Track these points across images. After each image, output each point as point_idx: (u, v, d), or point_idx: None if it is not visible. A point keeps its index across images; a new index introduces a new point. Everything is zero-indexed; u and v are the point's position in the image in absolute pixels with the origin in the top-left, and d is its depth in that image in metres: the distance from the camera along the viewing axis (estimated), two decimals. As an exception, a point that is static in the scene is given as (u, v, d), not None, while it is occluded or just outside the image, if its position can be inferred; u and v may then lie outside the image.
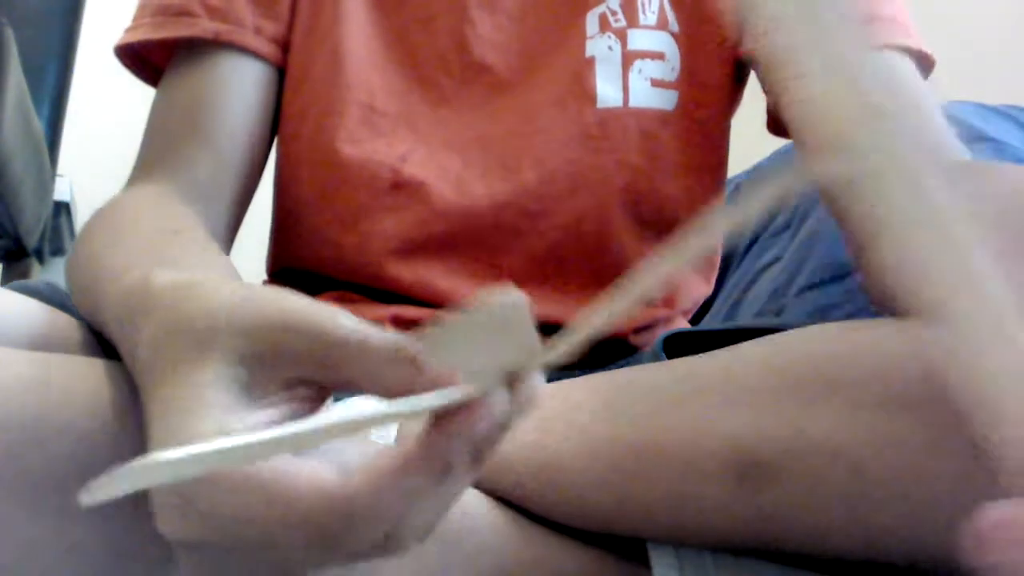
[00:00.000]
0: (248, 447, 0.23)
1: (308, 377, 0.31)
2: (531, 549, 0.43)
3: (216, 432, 0.28)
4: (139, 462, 0.21)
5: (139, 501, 0.37)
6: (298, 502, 0.27)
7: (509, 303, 0.24)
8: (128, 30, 0.67)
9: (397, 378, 0.29)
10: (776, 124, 0.68)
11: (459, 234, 0.64)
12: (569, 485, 0.42)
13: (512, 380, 0.28)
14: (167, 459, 0.21)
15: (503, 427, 0.28)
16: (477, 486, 0.44)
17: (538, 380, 0.29)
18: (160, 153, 0.64)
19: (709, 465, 0.40)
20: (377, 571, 0.40)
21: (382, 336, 0.30)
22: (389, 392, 0.29)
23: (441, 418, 0.27)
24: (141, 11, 0.67)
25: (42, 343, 0.46)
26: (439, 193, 0.64)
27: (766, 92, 0.66)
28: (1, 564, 0.36)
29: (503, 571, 0.42)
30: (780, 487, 0.39)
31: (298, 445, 0.26)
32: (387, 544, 0.29)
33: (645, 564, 0.42)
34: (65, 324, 0.49)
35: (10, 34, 1.11)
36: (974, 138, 1.15)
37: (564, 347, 0.27)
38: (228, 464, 0.24)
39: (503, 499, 0.44)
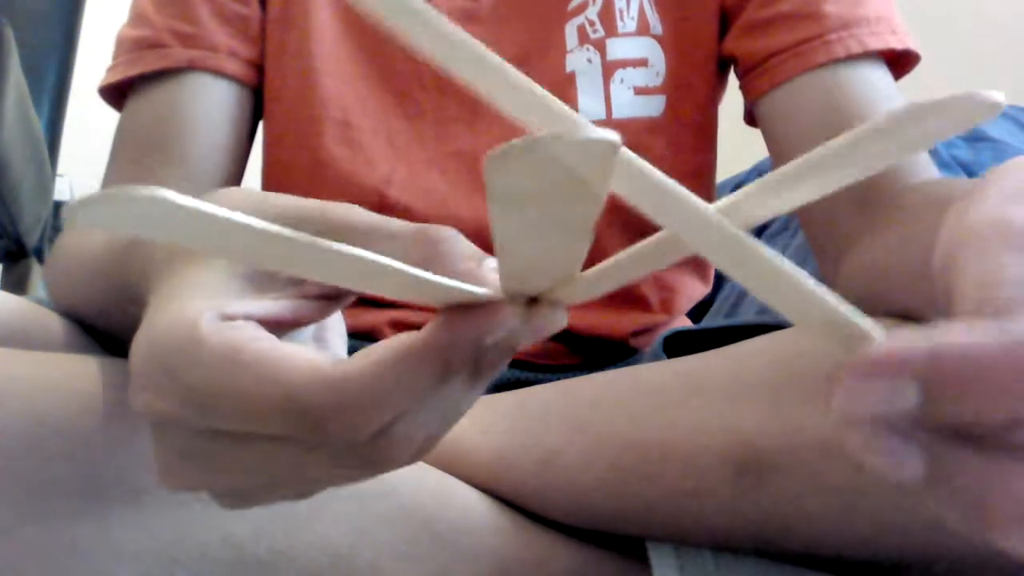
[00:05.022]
0: (261, 234, 0.20)
1: None
2: (531, 549, 0.43)
3: (206, 311, 0.27)
4: (145, 191, 0.18)
5: (140, 501, 0.37)
6: (287, 378, 0.25)
7: (590, 140, 0.17)
8: (108, 70, 0.67)
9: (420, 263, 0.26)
10: (753, 117, 0.68)
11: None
12: (569, 484, 0.42)
13: (544, 296, 0.25)
14: (173, 200, 0.18)
15: (511, 341, 0.26)
16: (477, 486, 0.44)
17: (565, 305, 0.26)
18: (132, 171, 0.64)
19: (709, 463, 0.40)
20: (377, 571, 0.40)
21: (403, 222, 0.29)
22: None
23: (451, 313, 0.25)
24: (118, 50, 0.68)
25: (21, 337, 0.46)
26: (424, 217, 0.64)
27: (742, 90, 0.66)
28: (1, 564, 0.36)
29: (503, 571, 0.42)
30: (780, 484, 0.39)
31: (315, 266, 0.22)
32: (376, 448, 0.26)
33: (645, 564, 0.42)
34: (45, 318, 0.49)
35: (10, 34, 1.11)
36: (974, 138, 1.15)
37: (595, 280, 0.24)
38: (232, 245, 0.20)
39: (503, 499, 0.44)
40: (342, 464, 0.27)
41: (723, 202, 0.21)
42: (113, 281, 0.40)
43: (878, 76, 0.61)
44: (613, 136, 0.17)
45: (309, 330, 0.33)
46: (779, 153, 0.63)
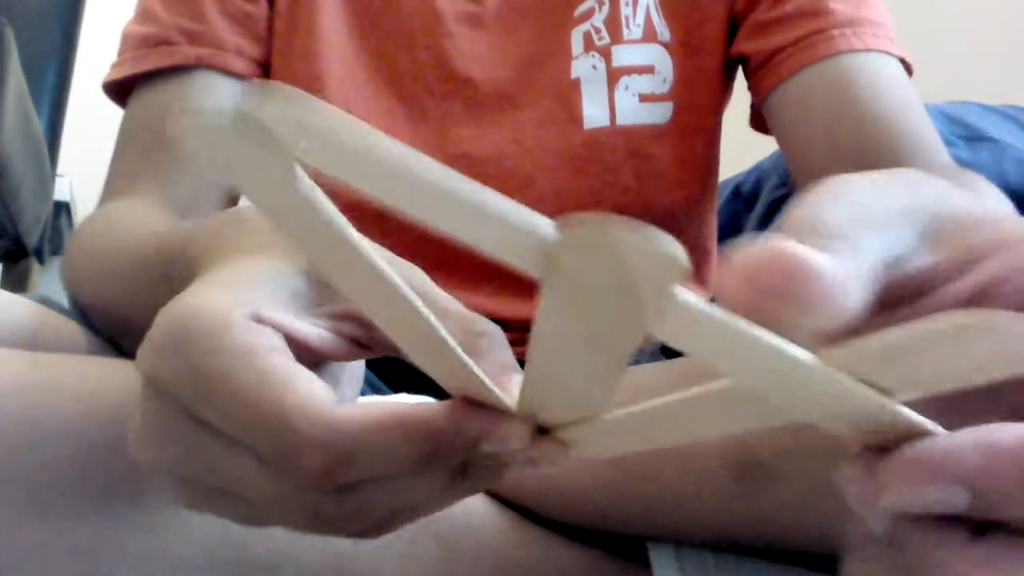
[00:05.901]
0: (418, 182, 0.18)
1: (358, 315, 0.30)
2: (531, 549, 0.43)
3: (241, 306, 0.27)
4: (278, 88, 0.16)
5: (141, 501, 0.38)
6: (287, 398, 0.25)
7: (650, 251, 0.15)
8: (114, 66, 0.67)
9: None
10: (758, 120, 0.68)
11: (447, 259, 0.63)
12: (569, 484, 0.42)
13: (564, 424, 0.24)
14: (311, 106, 0.16)
15: (503, 460, 0.26)
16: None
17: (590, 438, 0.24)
18: (140, 167, 0.64)
19: (709, 465, 0.40)
20: (377, 571, 0.40)
21: (455, 302, 0.29)
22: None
23: (461, 405, 0.25)
24: (124, 46, 0.67)
25: (33, 342, 0.46)
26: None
27: (751, 90, 0.66)
28: (1, 565, 0.36)
29: (503, 572, 0.42)
30: (780, 487, 0.39)
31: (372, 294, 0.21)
32: (336, 503, 0.26)
33: (645, 564, 0.42)
34: (58, 324, 0.49)
35: (10, 34, 1.11)
36: (974, 138, 1.15)
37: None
38: (371, 171, 0.18)
39: (503, 499, 0.44)
40: (295, 504, 0.26)
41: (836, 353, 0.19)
42: (159, 278, 0.40)
43: (883, 64, 0.62)
44: (679, 254, 0.16)
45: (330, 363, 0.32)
46: (790, 148, 0.63)
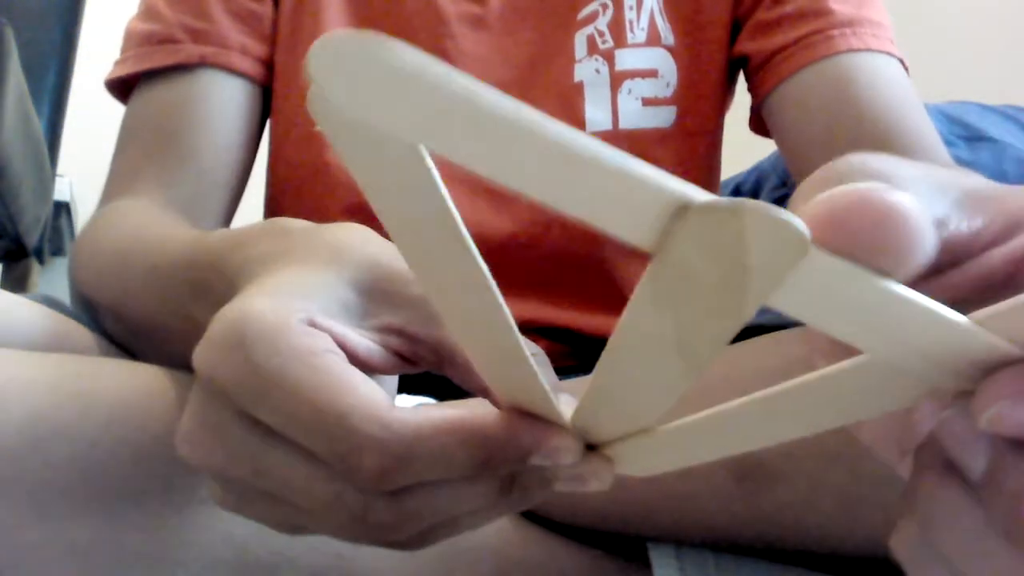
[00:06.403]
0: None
1: (409, 330, 0.31)
2: (532, 549, 0.43)
3: (300, 311, 0.27)
4: (389, 42, 0.14)
5: (141, 501, 0.37)
6: (348, 398, 0.25)
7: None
8: (117, 63, 0.67)
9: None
10: (758, 123, 0.68)
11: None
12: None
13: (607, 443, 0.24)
14: (429, 65, 0.14)
15: (550, 475, 0.26)
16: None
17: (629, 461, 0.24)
18: (142, 166, 0.64)
19: (709, 467, 0.40)
20: (377, 571, 0.40)
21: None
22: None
23: (516, 416, 0.25)
24: (127, 43, 0.67)
25: (40, 344, 0.47)
26: None
27: (751, 91, 0.66)
28: (1, 565, 0.36)
29: (503, 572, 0.42)
30: (779, 488, 0.39)
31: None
32: (386, 507, 0.26)
33: (645, 564, 0.42)
34: (64, 326, 0.49)
35: (10, 34, 1.11)
36: (974, 138, 1.15)
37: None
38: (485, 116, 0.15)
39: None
40: (345, 507, 0.26)
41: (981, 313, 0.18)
42: (182, 282, 0.40)
43: (883, 64, 0.62)
44: (805, 229, 0.15)
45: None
46: (790, 148, 0.63)
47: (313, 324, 0.28)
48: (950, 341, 0.17)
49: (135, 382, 0.39)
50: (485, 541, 0.42)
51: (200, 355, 0.28)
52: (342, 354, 0.28)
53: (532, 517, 0.44)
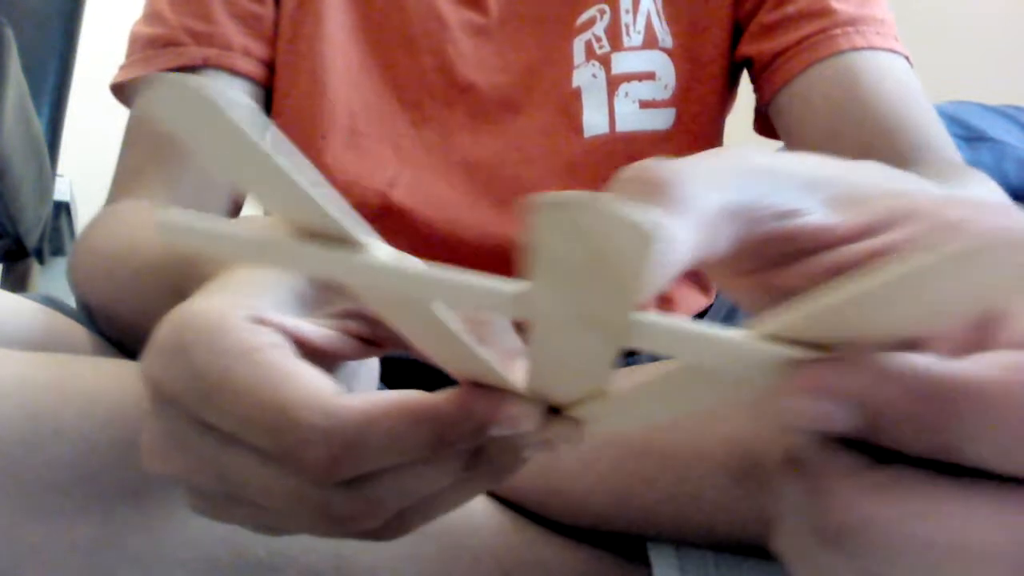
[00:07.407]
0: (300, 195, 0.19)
1: (367, 312, 0.30)
2: (531, 550, 0.43)
3: (241, 307, 0.27)
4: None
5: (141, 502, 0.38)
6: (287, 391, 0.25)
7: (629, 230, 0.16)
8: (122, 68, 0.68)
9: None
10: (763, 124, 0.68)
11: (447, 263, 0.63)
12: (569, 485, 0.42)
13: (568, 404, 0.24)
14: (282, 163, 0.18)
15: (516, 444, 0.25)
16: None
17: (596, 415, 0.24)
18: (146, 166, 0.64)
19: (709, 468, 0.40)
20: (376, 572, 0.40)
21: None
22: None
23: (467, 390, 0.24)
24: (131, 47, 0.68)
25: (39, 344, 0.47)
26: (426, 222, 0.64)
27: (756, 93, 0.67)
28: (1, 565, 0.36)
29: (504, 571, 0.42)
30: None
31: (358, 271, 0.20)
32: (347, 499, 0.25)
33: (645, 564, 0.42)
34: (64, 326, 0.49)
35: (10, 34, 1.11)
36: (974, 138, 1.15)
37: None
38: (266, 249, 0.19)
39: (503, 499, 0.44)
40: (305, 503, 0.26)
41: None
42: (167, 287, 0.40)
43: (888, 61, 0.62)
44: (650, 225, 0.16)
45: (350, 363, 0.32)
46: (797, 148, 0.63)
47: (260, 320, 0.27)
48: (739, 354, 0.19)
49: (135, 382, 0.39)
50: (485, 542, 0.42)
51: (145, 364, 0.27)
52: (287, 347, 0.27)
53: (532, 517, 0.44)
